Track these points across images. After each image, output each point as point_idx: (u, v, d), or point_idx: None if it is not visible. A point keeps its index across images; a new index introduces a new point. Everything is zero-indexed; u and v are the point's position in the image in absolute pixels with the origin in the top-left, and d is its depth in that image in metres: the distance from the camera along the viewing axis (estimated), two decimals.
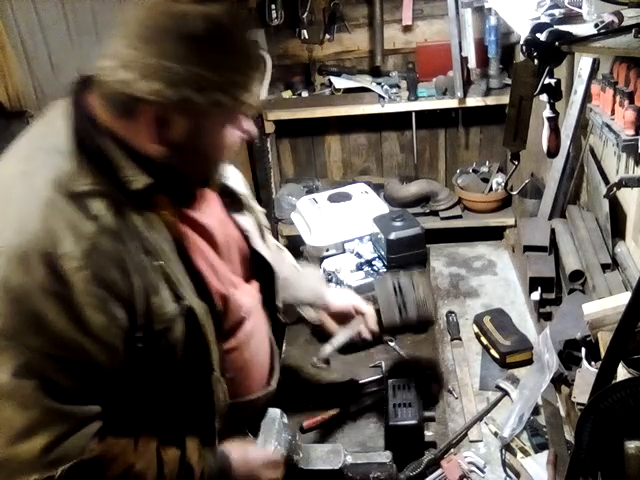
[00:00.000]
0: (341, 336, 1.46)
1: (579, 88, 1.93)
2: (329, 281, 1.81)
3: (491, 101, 2.71)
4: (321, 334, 1.62)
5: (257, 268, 1.28)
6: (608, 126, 1.63)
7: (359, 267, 1.82)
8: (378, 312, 1.49)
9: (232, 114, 0.99)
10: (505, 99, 2.55)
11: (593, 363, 1.45)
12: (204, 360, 1.06)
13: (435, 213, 2.90)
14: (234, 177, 1.26)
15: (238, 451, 1.12)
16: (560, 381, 1.53)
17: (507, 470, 1.37)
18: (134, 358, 0.96)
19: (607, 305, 1.42)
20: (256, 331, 1.25)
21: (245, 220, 1.25)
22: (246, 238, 1.24)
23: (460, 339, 1.82)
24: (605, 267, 1.67)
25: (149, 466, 0.98)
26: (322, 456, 1.28)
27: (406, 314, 1.46)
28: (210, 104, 0.92)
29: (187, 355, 1.02)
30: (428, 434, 1.46)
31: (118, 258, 0.90)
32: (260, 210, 1.39)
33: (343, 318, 1.50)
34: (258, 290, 1.29)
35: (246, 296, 1.21)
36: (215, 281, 1.09)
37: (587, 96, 1.89)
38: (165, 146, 0.96)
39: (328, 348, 1.44)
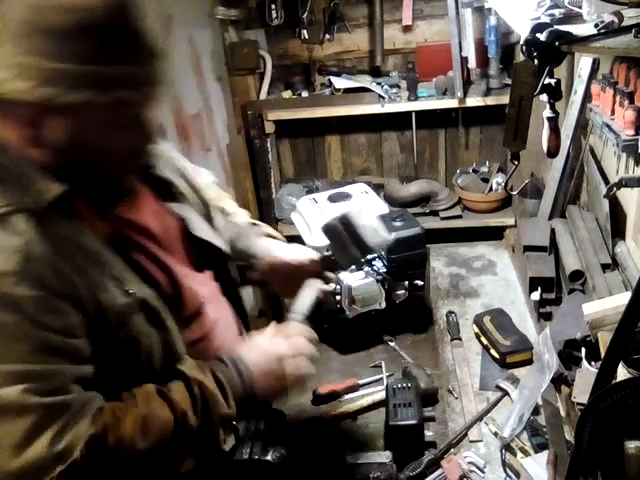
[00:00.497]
0: (305, 299, 1.30)
1: (579, 88, 1.93)
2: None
3: (491, 101, 2.70)
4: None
5: (208, 253, 1.24)
6: (608, 126, 1.63)
7: (359, 267, 1.82)
8: (330, 257, 1.38)
9: (113, 112, 0.91)
10: (505, 99, 2.55)
11: (593, 363, 1.45)
12: (171, 350, 1.05)
13: (435, 213, 2.90)
14: (164, 160, 1.20)
15: (250, 351, 1.11)
16: (560, 381, 1.53)
17: (507, 470, 1.37)
18: (98, 356, 0.96)
19: (607, 305, 1.42)
20: (220, 319, 1.23)
21: (182, 205, 1.20)
22: (186, 227, 1.19)
23: (460, 339, 1.82)
24: (605, 267, 1.67)
25: (159, 410, 0.98)
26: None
27: (363, 243, 1.36)
28: (86, 101, 0.86)
29: (152, 347, 1.02)
30: (428, 434, 1.47)
31: (52, 263, 0.89)
32: (204, 183, 1.34)
33: (287, 276, 1.38)
34: (212, 278, 1.25)
35: (199, 285, 1.18)
36: (160, 273, 1.07)
37: (587, 96, 1.89)
38: (49, 149, 0.92)
39: (296, 317, 1.26)
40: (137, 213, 1.09)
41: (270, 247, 1.43)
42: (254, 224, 1.50)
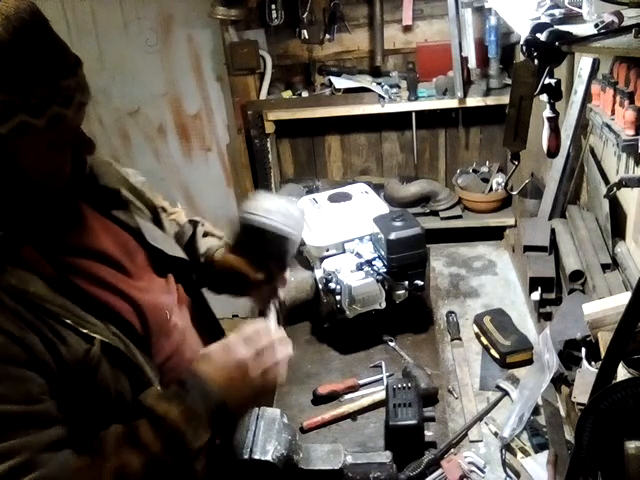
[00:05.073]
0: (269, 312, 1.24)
1: (579, 88, 1.93)
2: (328, 282, 1.81)
3: (491, 101, 2.70)
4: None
5: (165, 259, 1.20)
6: (608, 126, 1.63)
7: (359, 267, 1.82)
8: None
9: (49, 131, 0.87)
10: (505, 99, 2.54)
11: (593, 363, 1.45)
12: (142, 383, 1.01)
13: (435, 213, 2.89)
14: (104, 169, 1.16)
15: (208, 366, 1.01)
16: (560, 381, 1.53)
17: (507, 470, 1.37)
18: (68, 406, 0.92)
19: (607, 305, 1.42)
20: (188, 326, 1.20)
21: (130, 214, 1.16)
22: (141, 234, 1.15)
23: (460, 339, 1.82)
24: (605, 267, 1.67)
25: (131, 459, 0.92)
26: (322, 456, 1.28)
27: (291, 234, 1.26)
28: (15, 130, 0.83)
29: (123, 388, 0.99)
30: (428, 434, 1.47)
31: (2, 325, 0.84)
32: (149, 190, 1.31)
33: (230, 278, 1.33)
34: (174, 282, 1.22)
35: (163, 295, 1.15)
36: (120, 302, 1.03)
37: (587, 96, 1.89)
38: None
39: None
40: (89, 236, 1.04)
41: (212, 247, 1.41)
42: (194, 222, 1.48)
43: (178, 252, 1.26)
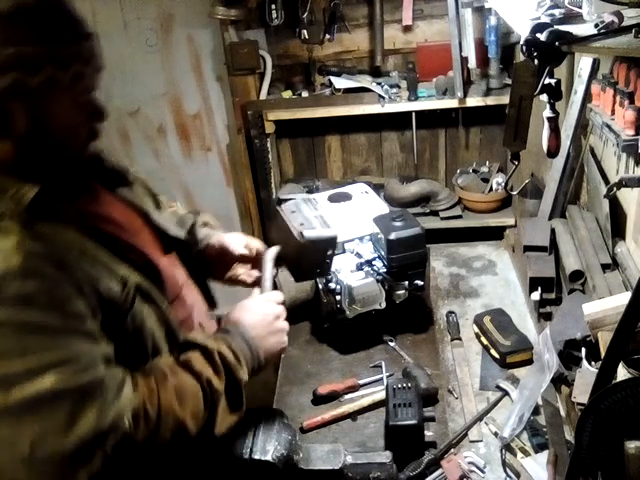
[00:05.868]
0: (266, 275, 1.33)
1: (579, 88, 1.93)
2: (328, 282, 1.81)
3: (491, 101, 2.70)
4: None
5: (167, 241, 1.25)
6: (608, 126, 1.63)
7: (359, 267, 1.82)
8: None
9: (72, 88, 0.95)
10: (505, 99, 2.54)
11: (593, 363, 1.45)
12: (170, 328, 1.10)
13: (435, 213, 2.90)
14: (108, 155, 1.22)
15: (249, 316, 1.18)
16: (560, 381, 1.53)
17: (507, 470, 1.37)
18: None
19: (607, 305, 1.42)
20: (195, 301, 1.27)
21: (136, 195, 1.22)
22: (145, 214, 1.21)
23: (460, 339, 1.82)
24: (605, 267, 1.67)
25: (186, 380, 1.02)
26: (322, 456, 1.28)
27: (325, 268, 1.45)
28: (45, 82, 0.89)
29: (154, 328, 1.06)
30: (428, 434, 1.47)
31: (50, 256, 0.90)
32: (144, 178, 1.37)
33: (225, 264, 1.46)
34: (178, 260, 1.28)
35: (174, 268, 1.22)
36: (138, 258, 1.08)
37: (587, 96, 1.89)
38: (13, 141, 0.93)
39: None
40: (101, 206, 1.09)
41: (210, 234, 1.47)
42: (194, 212, 1.53)
43: (180, 234, 1.31)
